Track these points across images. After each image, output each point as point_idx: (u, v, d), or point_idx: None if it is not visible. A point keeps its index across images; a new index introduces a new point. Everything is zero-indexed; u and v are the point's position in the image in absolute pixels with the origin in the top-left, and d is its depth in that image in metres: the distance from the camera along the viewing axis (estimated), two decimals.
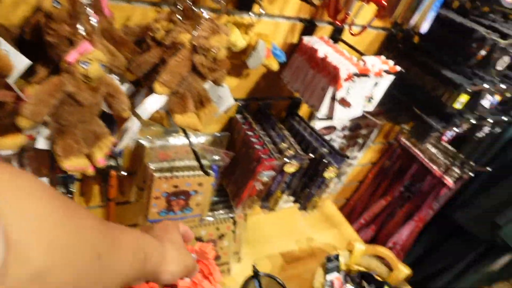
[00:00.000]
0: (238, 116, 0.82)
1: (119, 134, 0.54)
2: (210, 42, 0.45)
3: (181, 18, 0.50)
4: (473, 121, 0.75)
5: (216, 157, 0.75)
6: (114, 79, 0.50)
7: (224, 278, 1.01)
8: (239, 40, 0.59)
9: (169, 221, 0.54)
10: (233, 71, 0.74)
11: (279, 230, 1.20)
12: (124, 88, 0.56)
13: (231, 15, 0.62)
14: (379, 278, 1.02)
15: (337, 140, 1.06)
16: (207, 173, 0.64)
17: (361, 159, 1.23)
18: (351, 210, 1.45)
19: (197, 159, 0.66)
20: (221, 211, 0.94)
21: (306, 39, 0.69)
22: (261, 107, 0.86)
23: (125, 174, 0.61)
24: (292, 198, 0.93)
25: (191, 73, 0.48)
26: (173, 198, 0.76)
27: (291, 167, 0.78)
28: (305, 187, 0.87)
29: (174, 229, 0.51)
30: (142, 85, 0.55)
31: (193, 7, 0.48)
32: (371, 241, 1.39)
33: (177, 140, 0.76)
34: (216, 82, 0.53)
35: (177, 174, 0.72)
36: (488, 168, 1.07)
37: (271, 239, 1.16)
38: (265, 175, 0.77)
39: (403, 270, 0.98)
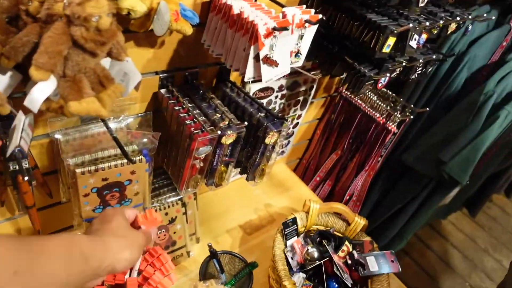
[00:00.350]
0: (163, 91, 0.75)
1: (9, 135, 0.46)
2: (85, 9, 0.37)
3: None
4: (404, 63, 0.73)
5: (145, 140, 0.69)
6: None
7: (185, 262, 0.97)
8: (137, 4, 0.51)
9: (108, 210, 0.54)
10: (145, 40, 0.66)
11: (235, 202, 1.17)
12: (6, 76, 0.47)
13: None
14: (338, 234, 1.03)
15: (277, 101, 1.02)
16: (131, 161, 0.58)
17: (305, 116, 1.21)
18: (305, 169, 1.44)
19: (119, 146, 0.59)
20: (167, 195, 0.89)
21: None
22: (187, 78, 0.79)
23: (28, 178, 0.53)
24: (238, 170, 0.89)
25: (76, 50, 0.40)
26: (106, 192, 0.69)
27: (228, 139, 0.73)
28: (249, 157, 0.83)
29: (114, 216, 0.51)
30: (27, 73, 0.47)
31: None
32: (329, 196, 1.40)
33: (97, 127, 0.69)
34: (114, 57, 0.46)
35: (103, 166, 0.65)
36: (427, 108, 1.08)
37: (228, 214, 1.13)
38: (202, 151, 0.72)
39: (360, 222, 0.99)
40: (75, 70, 0.41)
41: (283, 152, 1.28)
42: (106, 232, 0.48)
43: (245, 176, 0.88)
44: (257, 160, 0.82)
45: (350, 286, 0.90)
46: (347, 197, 1.33)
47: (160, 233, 0.88)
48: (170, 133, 0.77)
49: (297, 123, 1.20)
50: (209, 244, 0.84)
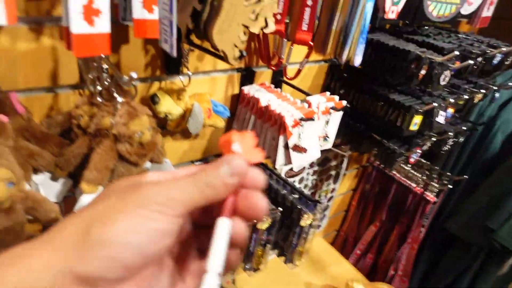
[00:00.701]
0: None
1: None
2: (130, 128, 0.42)
3: (102, 100, 0.47)
4: (434, 139, 0.73)
5: None
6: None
7: None
8: (173, 108, 0.57)
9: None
10: (181, 135, 0.71)
11: (273, 282, 1.13)
12: (59, 183, 0.52)
13: (162, 81, 0.60)
14: None
15: (309, 178, 1.02)
16: None
17: (339, 188, 1.20)
18: (343, 242, 1.39)
19: None
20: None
21: (247, 89, 0.67)
22: None
23: None
24: (276, 251, 0.87)
25: (121, 163, 0.44)
26: None
27: (263, 224, 0.74)
28: (286, 238, 0.82)
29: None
30: (77, 179, 0.51)
31: (111, 89, 0.45)
32: (372, 270, 1.33)
33: None
34: (155, 161, 0.49)
35: None
36: (465, 176, 1.05)
37: None
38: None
39: None
40: (120, 178, 0.45)
41: (319, 226, 1.25)
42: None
43: (283, 258, 0.86)
44: (293, 242, 0.81)
45: None
46: (392, 272, 1.25)
47: None
48: None
49: (331, 197, 1.19)
50: None
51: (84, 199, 0.46)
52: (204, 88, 0.66)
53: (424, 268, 1.37)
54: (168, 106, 0.57)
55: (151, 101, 0.57)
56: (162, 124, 0.61)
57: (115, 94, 0.42)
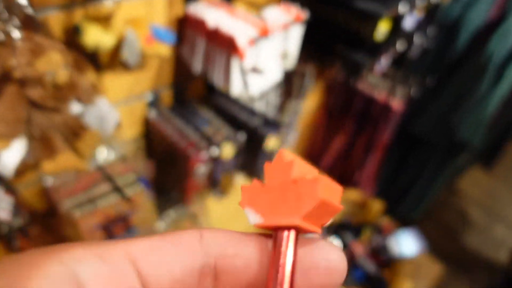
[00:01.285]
0: (151, 114, 0.72)
1: None
2: (36, 68, 0.34)
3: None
4: (400, 46, 0.68)
5: (139, 169, 0.66)
6: None
7: None
8: (103, 38, 0.48)
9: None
10: (122, 69, 0.62)
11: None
12: None
13: (87, 7, 0.50)
14: (355, 222, 1.01)
15: (273, 99, 0.98)
16: (127, 198, 0.56)
17: (304, 106, 1.17)
18: (311, 159, 1.41)
19: (113, 184, 0.56)
20: (172, 213, 0.87)
21: (192, 10, 0.58)
22: (175, 96, 0.75)
23: (27, 233, 0.51)
24: (247, 176, 0.86)
25: (36, 110, 0.37)
26: (110, 226, 0.68)
27: (227, 152, 0.70)
28: (253, 163, 0.80)
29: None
30: None
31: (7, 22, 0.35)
32: (340, 182, 1.38)
33: (87, 164, 0.66)
34: (85, 103, 0.42)
35: (101, 204, 0.62)
36: (430, 80, 1.03)
37: (240, 218, 1.11)
38: (202, 170, 0.69)
39: (375, 205, 0.97)
40: (42, 129, 0.38)
41: (285, 144, 1.25)
42: None
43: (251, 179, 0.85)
44: (260, 166, 0.79)
45: (375, 272, 0.88)
46: (359, 178, 1.30)
47: None
48: (166, 156, 0.74)
49: (296, 115, 1.16)
50: None
51: (4, 159, 0.39)
52: (140, 11, 0.56)
53: (390, 172, 1.44)
54: (96, 37, 0.47)
55: (74, 32, 0.47)
56: (95, 58, 0.53)
57: (11, 28, 0.33)
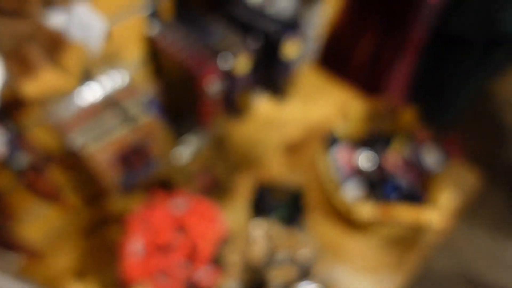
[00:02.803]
0: (153, 29, 0.64)
1: None
2: None
3: None
4: None
5: (147, 93, 0.60)
6: None
7: (231, 200, 0.94)
8: None
9: None
10: None
11: (267, 127, 1.09)
12: None
13: None
14: (386, 133, 0.94)
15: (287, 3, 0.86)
16: (139, 126, 0.50)
17: (325, 10, 1.04)
18: (338, 66, 1.30)
19: (122, 111, 0.51)
20: (194, 140, 0.83)
21: None
22: (177, 5, 0.66)
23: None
24: (265, 93, 0.79)
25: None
26: (126, 158, 0.64)
27: (241, 64, 0.63)
28: (269, 75, 0.72)
29: None
30: None
31: None
32: (369, 89, 1.28)
33: (89, 92, 0.60)
34: (59, 5, 0.34)
35: (113, 136, 0.58)
36: None
37: (264, 141, 1.06)
38: (215, 87, 0.62)
39: (407, 112, 0.89)
40: (11, 43, 0.31)
41: (309, 55, 1.14)
42: None
43: (274, 97, 0.78)
44: (281, 78, 0.71)
45: (409, 185, 0.83)
46: (389, 85, 1.20)
47: (200, 177, 0.85)
48: (175, 76, 0.67)
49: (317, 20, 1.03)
50: (253, 181, 0.79)
51: None
52: None
53: (426, 77, 1.32)
54: None
55: None
56: None
57: None
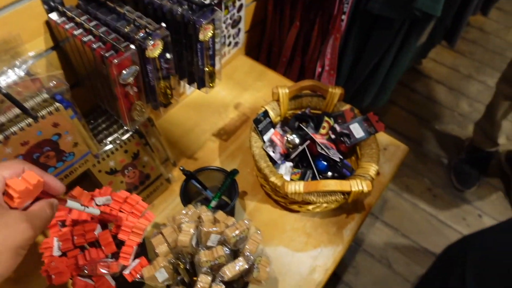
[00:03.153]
0: (53, 16, 0.60)
1: None
2: None
3: None
4: None
5: (51, 84, 0.56)
6: None
7: (168, 190, 0.92)
8: None
9: None
10: None
11: (201, 114, 1.08)
12: None
13: None
14: (315, 112, 0.96)
15: None
16: (33, 117, 0.47)
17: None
18: (268, 55, 1.32)
19: (16, 104, 0.47)
20: (119, 132, 0.79)
21: None
22: None
23: None
24: (185, 81, 0.77)
25: None
26: (36, 155, 0.60)
27: (153, 50, 0.60)
28: (191, 61, 0.71)
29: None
30: None
31: None
32: (301, 75, 1.31)
33: None
34: None
35: (13, 131, 0.54)
36: None
37: (197, 127, 1.05)
38: (127, 75, 0.60)
39: (335, 92, 0.91)
40: None
41: (237, 43, 1.14)
42: None
43: (195, 85, 0.77)
44: (199, 62, 0.70)
45: (339, 160, 0.86)
46: (319, 69, 1.23)
47: (127, 172, 0.81)
48: (85, 65, 0.63)
49: (241, 5, 1.03)
50: (181, 168, 0.78)
51: None
52: None
53: (351, 58, 1.36)
54: None
55: None
56: None
57: None
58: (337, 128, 0.89)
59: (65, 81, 0.55)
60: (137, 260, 0.57)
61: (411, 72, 2.21)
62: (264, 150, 0.86)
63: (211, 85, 0.75)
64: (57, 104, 0.56)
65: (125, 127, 0.78)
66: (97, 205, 0.61)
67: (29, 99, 0.54)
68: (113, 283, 0.55)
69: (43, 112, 0.55)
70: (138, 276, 0.55)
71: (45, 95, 0.56)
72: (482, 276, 0.73)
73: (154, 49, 0.60)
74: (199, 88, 0.76)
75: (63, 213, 0.61)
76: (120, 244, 0.59)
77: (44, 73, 0.58)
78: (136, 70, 0.60)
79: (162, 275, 0.56)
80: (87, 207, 0.47)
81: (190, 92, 1.08)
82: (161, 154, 0.90)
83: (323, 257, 0.84)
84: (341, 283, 1.46)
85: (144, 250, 0.70)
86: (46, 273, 0.54)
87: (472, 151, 1.77)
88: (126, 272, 0.55)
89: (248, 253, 0.61)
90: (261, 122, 0.87)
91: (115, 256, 0.58)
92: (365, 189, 0.77)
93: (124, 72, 0.58)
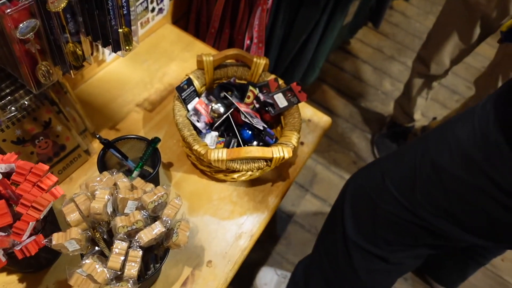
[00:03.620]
0: None
1: None
2: None
3: None
4: None
5: None
6: None
7: (88, 162, 0.88)
8: None
9: None
10: None
11: (125, 83, 1.03)
12: None
13: None
14: (240, 82, 0.96)
15: None
16: None
17: None
18: (196, 25, 1.28)
19: None
20: (26, 98, 0.73)
21: None
22: None
23: None
24: (97, 43, 0.72)
25: None
26: None
27: (56, 3, 0.55)
28: (104, 22, 0.66)
29: None
30: None
31: None
32: (229, 46, 1.29)
33: None
34: None
35: None
36: None
37: (120, 97, 1.00)
38: (26, 29, 0.54)
39: (260, 62, 0.92)
40: None
41: (161, 9, 1.09)
42: None
43: (110, 48, 0.72)
44: (112, 23, 0.66)
45: (263, 128, 0.88)
46: (248, 42, 1.23)
47: (38, 141, 0.75)
48: None
49: None
50: (97, 136, 0.74)
51: None
52: None
53: (281, 34, 1.38)
54: None
55: None
56: None
57: None
58: (261, 97, 0.90)
59: None
60: (32, 237, 0.53)
61: (340, 52, 2.30)
62: (188, 119, 0.84)
63: (128, 48, 0.71)
64: None
65: (33, 92, 0.71)
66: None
67: None
68: (3, 259, 0.51)
69: None
70: (46, 242, 0.52)
71: None
72: (354, 206, 0.90)
73: (57, 2, 0.55)
74: (114, 51, 0.71)
75: None
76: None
77: None
78: (36, 25, 0.54)
79: (72, 245, 0.53)
80: None
81: (110, 59, 1.02)
82: (78, 124, 0.84)
83: (249, 224, 0.86)
84: (274, 254, 1.52)
85: (54, 223, 0.65)
86: None
87: (392, 126, 1.91)
88: (17, 249, 0.51)
89: (166, 218, 0.60)
90: (184, 91, 0.85)
91: (13, 228, 0.54)
92: (286, 155, 0.79)
93: (21, 25, 0.53)
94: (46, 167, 0.59)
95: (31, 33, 0.55)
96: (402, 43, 2.46)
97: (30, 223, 0.53)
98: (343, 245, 0.91)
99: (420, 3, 2.75)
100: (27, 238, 0.53)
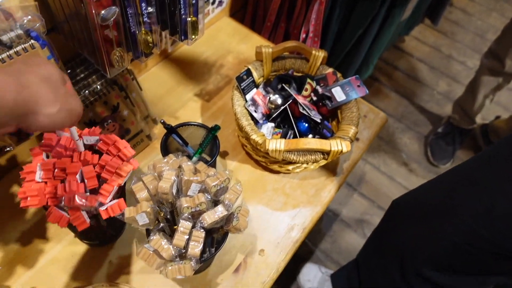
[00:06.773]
0: None
1: None
2: None
3: None
4: None
5: (26, 18, 0.54)
6: None
7: (149, 147, 0.92)
8: None
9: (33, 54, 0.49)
10: None
11: (184, 73, 1.06)
12: None
13: None
14: (298, 74, 0.96)
15: None
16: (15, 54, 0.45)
17: None
18: (252, 18, 1.30)
19: None
20: (98, 83, 0.77)
21: None
22: None
23: None
24: (167, 32, 0.75)
25: None
26: None
27: None
28: (174, 12, 0.69)
29: (45, 63, 0.43)
30: None
31: None
32: (285, 38, 1.29)
33: None
34: None
35: None
36: None
37: (180, 86, 1.03)
38: (107, 15, 0.57)
39: (318, 54, 0.91)
40: None
41: (221, 2, 1.11)
42: (34, 76, 0.40)
43: (177, 36, 0.75)
44: (182, 12, 0.68)
45: (320, 121, 0.87)
46: (304, 35, 1.23)
47: (107, 124, 0.80)
48: (63, 5, 0.61)
49: None
50: (162, 121, 0.76)
51: None
52: None
53: (336, 28, 1.36)
54: None
55: None
56: None
57: None
58: (319, 90, 0.89)
59: (39, 15, 0.53)
60: (115, 200, 0.57)
61: (394, 50, 2.22)
62: (246, 109, 0.86)
63: (194, 37, 0.73)
64: (33, 41, 0.54)
65: (105, 77, 0.76)
66: (84, 144, 0.60)
67: (2, 33, 0.51)
68: (87, 220, 0.55)
69: (18, 48, 0.52)
70: (119, 215, 0.55)
71: (19, 31, 0.53)
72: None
73: None
74: (181, 39, 0.74)
75: (51, 141, 0.60)
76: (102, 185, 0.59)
77: (18, 7, 0.55)
78: (116, 11, 0.58)
79: (142, 218, 0.56)
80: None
81: (171, 49, 1.05)
82: (142, 110, 0.88)
83: (301, 217, 0.86)
84: (318, 251, 1.50)
85: (123, 198, 0.69)
86: (22, 195, 0.53)
87: (448, 128, 1.82)
88: (102, 209, 0.54)
89: (228, 202, 0.62)
90: (243, 81, 0.86)
91: (95, 192, 0.58)
92: (344, 149, 0.78)
93: (103, 12, 0.56)
94: (127, 144, 0.63)
95: (111, 19, 0.58)
96: (462, 42, 2.33)
97: (115, 186, 0.57)
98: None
99: (483, 0, 2.59)
100: (109, 202, 0.57)
